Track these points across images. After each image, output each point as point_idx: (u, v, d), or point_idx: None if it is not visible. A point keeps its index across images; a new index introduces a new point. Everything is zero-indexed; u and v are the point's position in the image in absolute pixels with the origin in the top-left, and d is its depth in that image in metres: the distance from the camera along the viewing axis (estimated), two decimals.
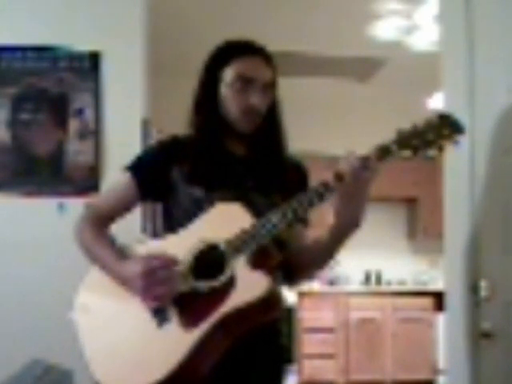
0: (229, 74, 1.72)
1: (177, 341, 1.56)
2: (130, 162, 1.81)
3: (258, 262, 1.58)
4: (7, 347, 3.10)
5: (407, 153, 1.55)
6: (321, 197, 1.56)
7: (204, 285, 1.58)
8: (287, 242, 1.72)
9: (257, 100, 1.71)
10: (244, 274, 1.55)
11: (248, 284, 1.54)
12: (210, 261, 1.59)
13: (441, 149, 1.55)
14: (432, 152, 1.56)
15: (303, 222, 1.80)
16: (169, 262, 1.59)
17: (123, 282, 1.64)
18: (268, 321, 1.63)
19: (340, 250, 1.70)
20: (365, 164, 1.53)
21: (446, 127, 1.54)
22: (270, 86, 1.75)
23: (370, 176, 1.54)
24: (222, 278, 1.56)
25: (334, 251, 1.70)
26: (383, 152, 1.54)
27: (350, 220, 1.61)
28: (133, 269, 1.60)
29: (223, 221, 1.62)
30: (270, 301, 1.56)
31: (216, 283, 1.56)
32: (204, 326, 1.55)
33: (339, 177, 1.54)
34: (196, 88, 1.79)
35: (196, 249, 1.61)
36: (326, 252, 1.72)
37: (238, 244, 1.57)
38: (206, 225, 1.64)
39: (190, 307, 1.58)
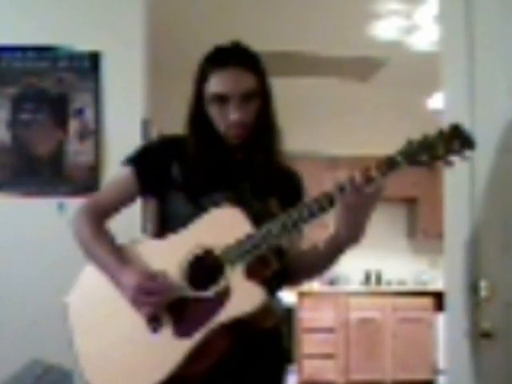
0: (207, 91, 1.68)
1: (170, 348, 1.56)
2: (131, 154, 1.80)
3: (255, 270, 1.57)
4: (7, 347, 3.11)
5: (414, 166, 1.50)
6: (322, 209, 1.53)
7: (199, 293, 1.57)
8: (285, 251, 1.71)
9: (236, 115, 1.65)
10: (240, 284, 1.54)
11: (243, 295, 1.53)
12: (206, 267, 1.59)
13: (449, 163, 1.50)
14: (438, 166, 1.51)
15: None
16: (164, 285, 1.58)
17: (118, 287, 1.64)
18: (262, 330, 1.62)
19: (337, 262, 1.68)
20: (368, 178, 1.50)
21: (457, 141, 1.48)
22: (251, 95, 1.67)
23: (373, 191, 1.52)
24: (218, 287, 1.55)
25: (331, 262, 1.69)
26: (390, 166, 1.49)
27: (349, 235, 1.59)
28: (129, 280, 1.60)
29: (222, 226, 1.61)
30: (265, 312, 1.55)
31: (211, 292, 1.56)
32: (198, 336, 1.54)
33: (341, 189, 1.52)
34: (189, 102, 1.75)
35: (193, 254, 1.61)
36: (321, 261, 1.71)
37: (236, 253, 1.56)
38: (204, 229, 1.63)
39: (184, 314, 1.58)
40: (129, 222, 2.68)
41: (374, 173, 1.50)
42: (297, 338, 6.20)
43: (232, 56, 1.68)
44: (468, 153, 1.50)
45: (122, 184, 1.78)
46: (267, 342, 1.71)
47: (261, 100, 1.71)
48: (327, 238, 1.65)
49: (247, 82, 1.66)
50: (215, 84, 1.66)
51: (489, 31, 1.98)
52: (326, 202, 1.53)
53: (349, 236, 1.59)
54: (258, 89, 1.69)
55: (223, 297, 1.54)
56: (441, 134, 1.50)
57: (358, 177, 1.50)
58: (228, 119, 1.66)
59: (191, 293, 1.58)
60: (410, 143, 1.50)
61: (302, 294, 6.27)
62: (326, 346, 6.31)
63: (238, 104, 1.65)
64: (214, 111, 1.69)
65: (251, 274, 1.56)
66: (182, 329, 1.56)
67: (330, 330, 6.34)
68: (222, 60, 1.67)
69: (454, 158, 1.50)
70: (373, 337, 6.36)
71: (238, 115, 1.65)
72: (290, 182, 1.83)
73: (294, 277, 1.79)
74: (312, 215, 1.54)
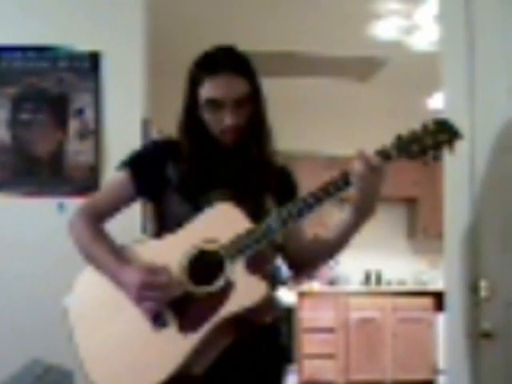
0: (200, 96, 1.69)
1: (174, 346, 1.57)
2: (126, 158, 1.81)
3: (255, 265, 1.59)
4: (7, 347, 3.11)
5: (405, 158, 1.59)
6: (319, 201, 1.59)
7: (201, 289, 1.58)
8: (283, 245, 1.75)
9: (230, 120, 1.67)
10: (242, 278, 1.56)
11: (245, 289, 1.55)
12: (207, 263, 1.60)
13: (437, 158, 1.58)
14: (429, 159, 1.59)
15: None
16: (168, 279, 1.59)
17: (120, 287, 1.64)
18: (264, 324, 1.64)
19: (352, 238, 1.73)
20: (370, 167, 1.58)
21: (444, 132, 1.57)
22: (244, 100, 1.68)
23: (377, 177, 1.59)
24: (220, 283, 1.57)
25: (346, 242, 1.73)
26: (382, 157, 1.58)
27: (366, 209, 1.66)
28: (130, 278, 1.60)
29: (221, 222, 1.63)
30: (267, 305, 1.57)
31: (213, 288, 1.57)
32: (201, 331, 1.55)
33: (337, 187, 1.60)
34: (181, 106, 1.76)
35: (194, 251, 1.62)
36: (332, 246, 1.75)
37: (237, 249, 1.58)
38: (203, 226, 1.64)
39: (187, 311, 1.59)
40: (129, 222, 2.68)
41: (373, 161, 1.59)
42: (297, 337, 6.20)
43: (223, 61, 1.68)
44: (456, 144, 1.58)
45: (117, 187, 1.79)
46: (266, 340, 1.72)
47: (253, 103, 1.72)
48: (341, 220, 1.70)
49: (240, 87, 1.68)
50: (208, 90, 1.67)
51: (489, 31, 1.98)
52: (323, 195, 1.59)
53: (367, 210, 1.66)
54: (250, 93, 1.70)
55: (225, 292, 1.56)
56: (426, 126, 1.59)
57: (360, 166, 1.59)
58: (222, 124, 1.68)
59: (192, 289, 1.59)
60: (399, 137, 1.59)
61: (302, 294, 6.27)
62: (326, 346, 6.31)
63: (232, 109, 1.67)
64: (207, 116, 1.71)
65: (251, 268, 1.58)
66: (186, 325, 1.57)
67: (330, 330, 6.34)
68: (213, 66, 1.68)
69: (443, 151, 1.58)
70: (373, 337, 6.36)
71: (233, 121, 1.67)
72: (284, 180, 1.86)
73: (304, 267, 1.84)
74: (309, 209, 1.59)
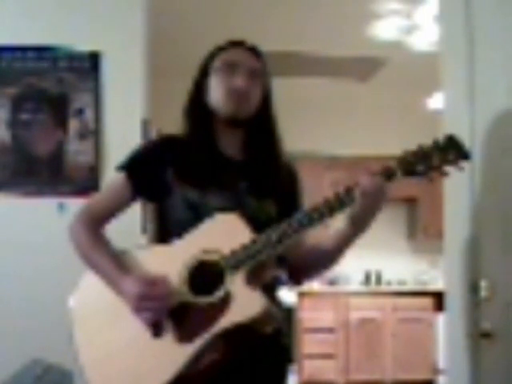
0: (215, 64, 1.77)
1: (172, 354, 1.56)
2: (124, 160, 1.80)
3: (255, 276, 1.58)
4: (7, 347, 3.10)
5: (410, 177, 1.58)
6: (323, 217, 1.58)
7: (200, 299, 1.58)
8: (285, 257, 1.74)
9: (241, 82, 1.72)
10: (240, 290, 1.55)
11: (244, 302, 1.55)
12: (207, 274, 1.59)
13: (444, 174, 1.57)
14: (435, 177, 1.58)
15: None
16: (165, 290, 1.58)
17: (119, 295, 1.64)
18: (263, 336, 1.63)
19: (348, 249, 1.73)
20: (376, 184, 1.57)
21: (452, 151, 1.55)
22: (258, 74, 1.76)
23: (380, 195, 1.58)
24: (219, 294, 1.56)
25: (340, 254, 1.74)
26: (388, 176, 1.58)
27: (364, 223, 1.65)
28: (129, 288, 1.60)
29: (222, 232, 1.62)
30: (265, 318, 1.57)
31: (212, 299, 1.56)
32: (199, 341, 1.55)
33: (340, 200, 1.60)
34: (189, 91, 1.81)
35: (194, 261, 1.61)
36: (328, 257, 1.75)
37: (237, 260, 1.57)
38: (204, 236, 1.63)
39: (186, 321, 1.58)
40: (129, 222, 2.67)
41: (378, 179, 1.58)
42: (297, 337, 6.20)
43: (236, 42, 1.81)
44: (463, 163, 1.56)
45: (115, 190, 1.78)
46: (268, 343, 1.71)
47: (263, 84, 1.78)
48: (337, 231, 1.70)
49: (257, 62, 1.78)
50: (228, 54, 1.77)
51: (489, 31, 1.98)
52: (326, 211, 1.58)
53: (362, 229, 1.66)
54: (263, 73, 1.79)
55: (224, 303, 1.55)
56: (436, 144, 1.56)
57: (366, 182, 1.58)
58: (234, 84, 1.72)
59: (192, 299, 1.59)
60: (405, 154, 1.58)
61: (302, 294, 6.27)
62: (325, 346, 6.31)
63: (246, 74, 1.74)
64: (217, 78, 1.75)
65: (251, 279, 1.57)
66: (184, 335, 1.57)
67: (330, 330, 6.34)
68: (232, 43, 1.80)
69: (450, 169, 1.56)
70: (373, 337, 6.36)
71: (243, 83, 1.72)
72: (288, 177, 1.84)
73: (300, 275, 1.83)
74: (311, 223, 1.58)
